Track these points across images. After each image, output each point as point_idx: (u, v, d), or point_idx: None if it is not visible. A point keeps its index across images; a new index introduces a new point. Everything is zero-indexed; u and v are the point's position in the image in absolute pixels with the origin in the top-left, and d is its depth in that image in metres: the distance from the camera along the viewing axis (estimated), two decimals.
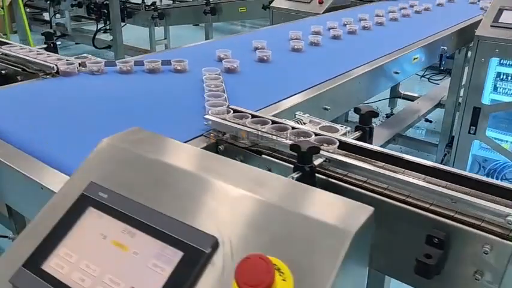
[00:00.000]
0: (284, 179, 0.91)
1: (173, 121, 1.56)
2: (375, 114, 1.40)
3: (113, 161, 0.93)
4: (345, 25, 2.86)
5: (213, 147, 1.45)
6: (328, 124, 1.59)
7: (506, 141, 3.50)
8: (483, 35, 3.07)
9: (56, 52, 2.31)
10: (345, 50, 2.47)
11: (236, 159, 1.41)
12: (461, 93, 3.55)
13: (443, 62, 2.98)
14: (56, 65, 1.91)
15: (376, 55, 2.32)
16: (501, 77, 3.42)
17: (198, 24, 7.42)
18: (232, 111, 1.54)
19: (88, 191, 0.87)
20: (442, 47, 2.91)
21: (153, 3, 5.70)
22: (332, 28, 2.73)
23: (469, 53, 3.80)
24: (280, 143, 1.31)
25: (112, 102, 1.67)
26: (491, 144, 3.34)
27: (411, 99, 4.65)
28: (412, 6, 3.59)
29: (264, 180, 0.87)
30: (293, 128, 1.42)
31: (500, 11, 3.14)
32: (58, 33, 6.92)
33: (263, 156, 1.37)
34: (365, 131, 1.42)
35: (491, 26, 3.09)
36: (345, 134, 1.49)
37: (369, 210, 0.77)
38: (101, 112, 1.58)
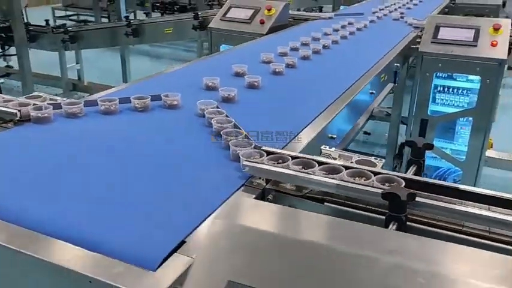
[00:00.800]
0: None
1: (198, 171, 1.33)
2: (431, 146, 1.32)
3: (242, 247, 0.71)
4: (305, 45, 2.79)
5: (259, 197, 1.25)
6: (360, 157, 1.50)
7: (447, 148, 3.70)
8: (426, 51, 3.22)
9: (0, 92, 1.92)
10: (323, 72, 2.39)
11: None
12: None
13: (397, 78, 3.07)
14: (19, 111, 1.55)
15: (354, 76, 2.28)
16: (438, 89, 3.62)
17: None
18: (265, 154, 1.36)
19: None
20: (395, 64, 2.98)
21: (63, 25, 5.17)
22: (296, 49, 2.65)
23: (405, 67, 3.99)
24: (361, 190, 1.15)
25: (114, 154, 1.37)
26: (439, 153, 3.50)
27: None
28: (351, 23, 3.66)
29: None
30: (346, 167, 1.29)
31: (437, 28, 3.32)
32: None
33: (326, 204, 1.21)
34: (420, 164, 1.33)
35: (431, 42, 3.25)
36: (382, 167, 1.42)
37: None
38: (108, 169, 1.28)
